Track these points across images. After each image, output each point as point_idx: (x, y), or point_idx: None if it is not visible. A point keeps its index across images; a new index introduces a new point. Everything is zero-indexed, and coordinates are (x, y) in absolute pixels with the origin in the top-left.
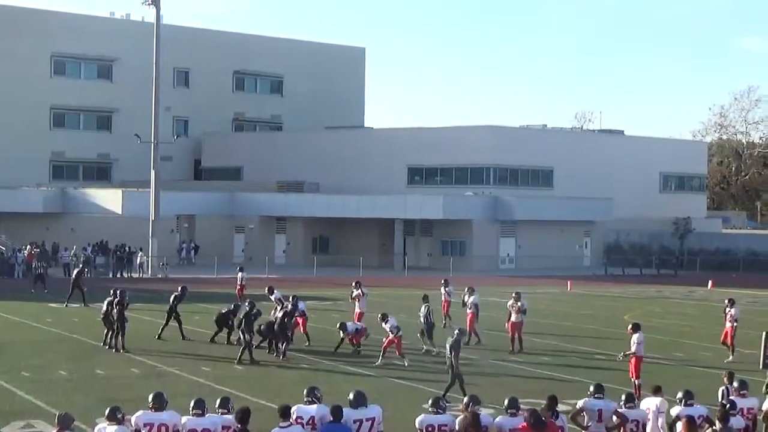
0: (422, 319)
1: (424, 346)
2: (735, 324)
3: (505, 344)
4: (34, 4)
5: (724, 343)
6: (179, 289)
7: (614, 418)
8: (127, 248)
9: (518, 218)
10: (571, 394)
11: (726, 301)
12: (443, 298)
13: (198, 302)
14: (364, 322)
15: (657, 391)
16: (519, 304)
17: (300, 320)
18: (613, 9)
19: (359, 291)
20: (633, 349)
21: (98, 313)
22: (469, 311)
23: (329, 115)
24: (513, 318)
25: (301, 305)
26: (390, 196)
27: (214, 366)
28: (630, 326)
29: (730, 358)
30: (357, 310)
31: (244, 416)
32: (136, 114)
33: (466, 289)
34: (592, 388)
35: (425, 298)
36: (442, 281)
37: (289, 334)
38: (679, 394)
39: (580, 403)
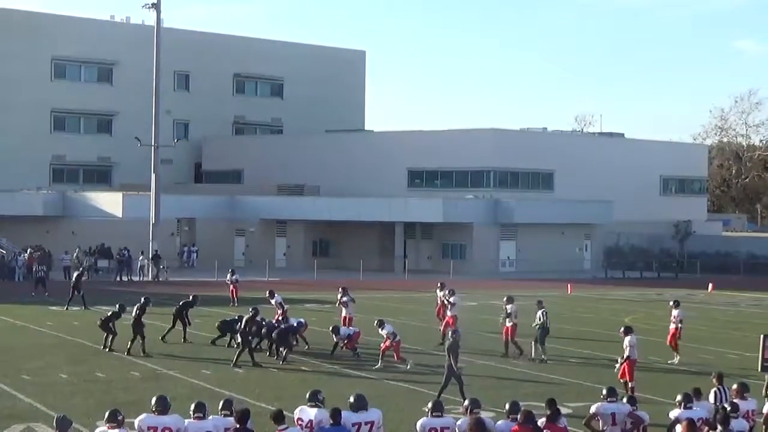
0: (537, 325)
1: (534, 354)
2: (680, 325)
3: (502, 347)
4: (35, 7)
5: (670, 344)
6: (190, 297)
7: (629, 420)
8: (157, 252)
9: (518, 221)
10: (572, 398)
11: (671, 303)
12: (438, 301)
13: (198, 305)
14: (356, 325)
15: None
16: (507, 308)
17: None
18: (613, 12)
19: (346, 297)
20: (626, 353)
21: (98, 318)
22: (450, 313)
23: (330, 118)
24: (506, 322)
25: (292, 321)
26: (390, 200)
27: (215, 369)
28: (622, 329)
29: (675, 360)
30: (344, 314)
31: (243, 416)
32: (136, 117)
33: (447, 291)
34: (605, 392)
35: (540, 304)
36: (438, 284)
37: (294, 343)
38: (679, 397)
39: (593, 408)
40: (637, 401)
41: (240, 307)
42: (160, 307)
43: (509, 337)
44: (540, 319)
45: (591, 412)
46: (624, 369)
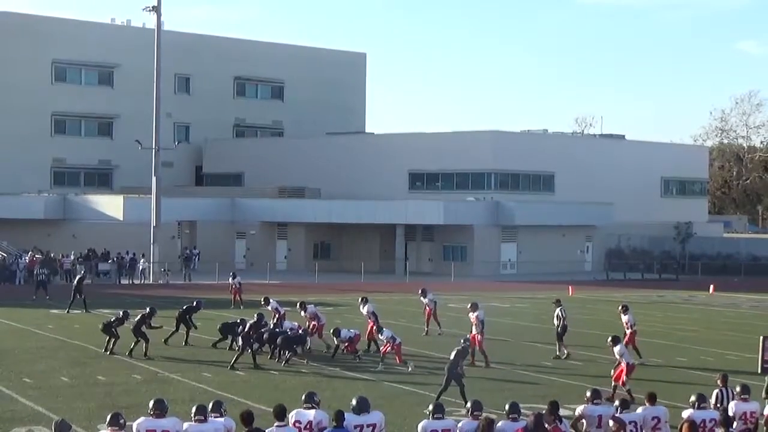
0: (556, 323)
1: (558, 352)
2: (633, 329)
3: (503, 350)
4: (35, 10)
5: (634, 348)
6: (195, 302)
7: (611, 423)
8: (189, 253)
9: (519, 223)
10: (573, 400)
11: (620, 308)
12: (426, 308)
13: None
14: (356, 329)
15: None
16: (475, 314)
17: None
18: (614, 13)
19: (308, 312)
20: (623, 363)
21: (99, 321)
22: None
23: (330, 120)
24: (473, 330)
25: (287, 324)
26: (391, 202)
27: (216, 372)
28: (609, 339)
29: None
30: (314, 322)
31: (248, 418)
32: (137, 120)
33: (420, 290)
34: (589, 394)
35: (558, 302)
36: (420, 291)
37: (298, 350)
38: (692, 398)
39: (579, 410)
40: (630, 405)
41: (245, 310)
42: (163, 310)
43: (478, 346)
44: (558, 318)
45: (576, 414)
46: (620, 374)
